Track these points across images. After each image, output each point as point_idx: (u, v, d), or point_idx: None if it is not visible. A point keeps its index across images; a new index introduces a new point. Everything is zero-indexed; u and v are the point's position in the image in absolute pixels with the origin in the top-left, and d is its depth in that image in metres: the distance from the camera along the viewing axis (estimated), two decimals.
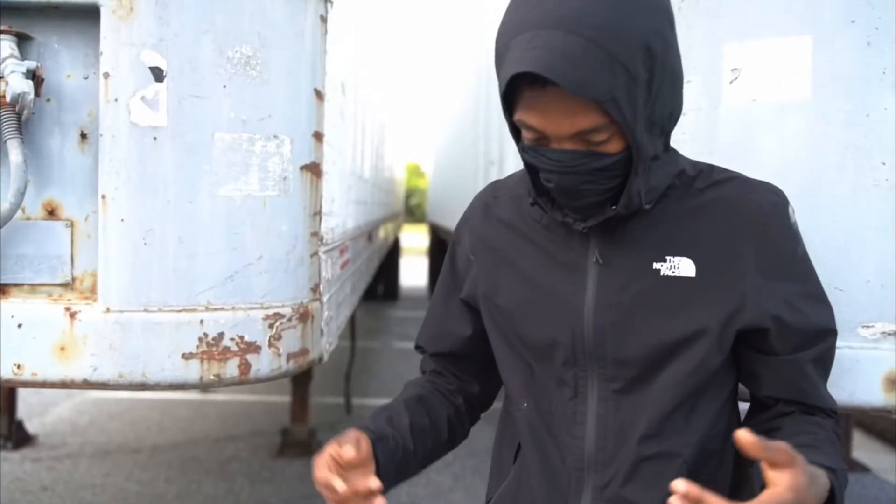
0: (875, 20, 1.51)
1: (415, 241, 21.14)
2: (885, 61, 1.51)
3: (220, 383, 1.78)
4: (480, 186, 4.94)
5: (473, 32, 6.14)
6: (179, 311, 1.75)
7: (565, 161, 1.13)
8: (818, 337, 1.25)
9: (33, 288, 1.79)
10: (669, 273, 1.21)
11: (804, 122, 1.55)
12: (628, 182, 1.15)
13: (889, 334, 1.53)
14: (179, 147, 1.74)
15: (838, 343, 1.38)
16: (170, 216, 1.74)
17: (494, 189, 1.42)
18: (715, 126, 1.66)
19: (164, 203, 1.73)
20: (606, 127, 1.11)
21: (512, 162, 4.21)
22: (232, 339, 1.78)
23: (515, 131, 1.20)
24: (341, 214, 2.67)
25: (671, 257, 1.21)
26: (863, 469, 5.32)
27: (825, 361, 1.28)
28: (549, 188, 1.18)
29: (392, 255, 12.37)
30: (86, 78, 1.79)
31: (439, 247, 12.42)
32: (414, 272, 16.42)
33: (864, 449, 5.64)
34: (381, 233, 6.84)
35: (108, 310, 1.73)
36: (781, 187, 1.31)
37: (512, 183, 1.40)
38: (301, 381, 5.41)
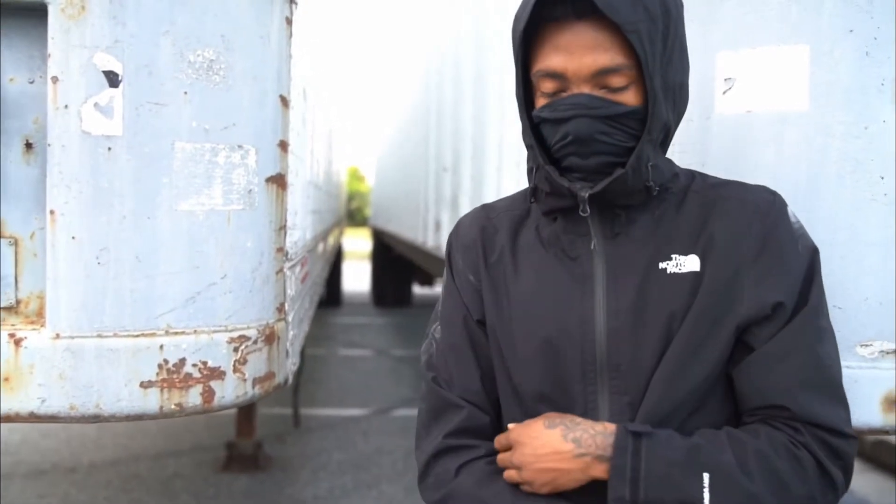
0: (874, 30, 1.47)
1: (355, 246, 20.94)
2: (883, 72, 1.47)
3: (181, 413, 1.65)
4: (432, 192, 4.87)
5: (424, 38, 6.05)
6: (137, 335, 1.61)
7: (583, 102, 1.15)
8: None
9: None
10: (676, 270, 1.20)
11: (801, 135, 1.50)
12: (639, 144, 1.17)
13: (888, 353, 1.49)
14: (136, 158, 1.60)
15: None
16: (126, 233, 1.60)
17: (487, 210, 1.38)
18: (706, 137, 1.60)
19: (119, 219, 1.59)
20: (626, 70, 1.15)
21: (468, 168, 4.14)
22: (194, 366, 1.65)
23: (526, 106, 1.23)
24: (301, 227, 2.55)
25: (676, 255, 1.21)
26: None
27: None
28: (563, 147, 1.18)
29: (335, 261, 12.21)
30: (31, 82, 1.64)
31: (382, 251, 12.29)
32: (356, 277, 16.24)
33: None
34: (331, 240, 6.71)
35: (57, 336, 1.58)
36: None
37: (505, 206, 1.38)
38: None
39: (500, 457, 1.22)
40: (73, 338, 1.58)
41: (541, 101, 1.21)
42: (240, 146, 1.71)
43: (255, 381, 1.77)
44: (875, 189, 1.48)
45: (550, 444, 1.15)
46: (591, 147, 1.17)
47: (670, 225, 1.23)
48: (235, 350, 1.71)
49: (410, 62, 6.79)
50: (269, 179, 1.78)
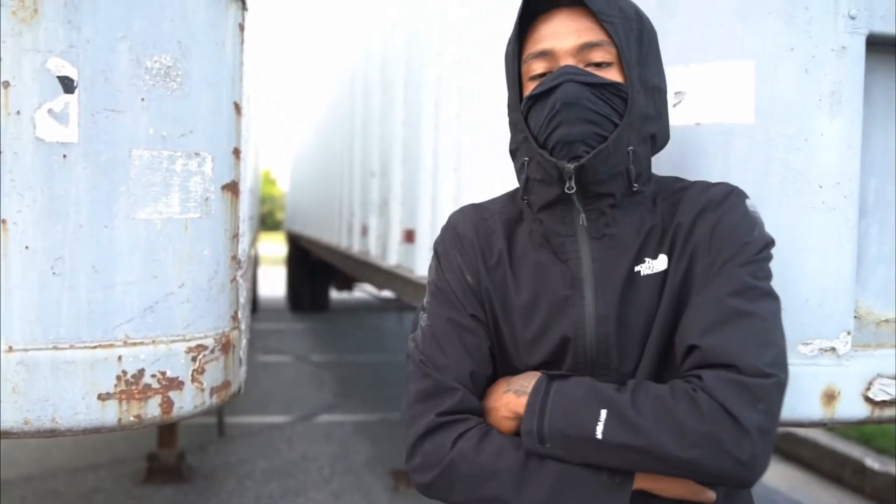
0: (812, 49, 1.57)
1: (268, 250, 20.62)
2: (821, 88, 1.57)
3: (140, 424, 1.62)
4: (358, 196, 4.85)
5: (350, 43, 6.03)
6: (94, 347, 1.57)
7: (569, 70, 1.28)
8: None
9: None
10: (649, 272, 1.31)
11: (747, 146, 1.59)
12: (620, 125, 1.28)
13: (826, 351, 1.60)
14: (93, 166, 1.56)
15: None
16: (82, 242, 1.56)
17: (481, 211, 1.45)
18: None
19: (75, 228, 1.55)
20: (608, 46, 1.29)
21: (398, 173, 4.16)
22: (153, 376, 1.62)
23: (516, 97, 1.37)
24: (246, 234, 2.53)
25: (648, 259, 1.32)
26: None
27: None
28: (552, 119, 1.27)
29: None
30: None
31: (299, 256, 12.15)
32: (269, 282, 15.99)
33: None
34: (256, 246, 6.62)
35: (10, 349, 1.53)
36: None
37: (497, 208, 1.45)
38: None
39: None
40: (26, 350, 1.53)
41: (530, 87, 1.34)
42: (196, 153, 1.69)
43: (213, 391, 1.75)
44: (814, 198, 1.58)
45: (494, 391, 1.34)
46: (578, 112, 1.26)
47: (645, 228, 1.33)
48: (193, 360, 1.69)
49: (333, 67, 6.76)
50: (225, 187, 1.77)
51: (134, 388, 1.60)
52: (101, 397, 1.57)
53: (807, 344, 1.59)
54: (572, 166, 1.27)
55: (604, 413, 1.19)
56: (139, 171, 1.60)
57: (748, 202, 1.34)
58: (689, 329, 1.23)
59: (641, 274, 1.30)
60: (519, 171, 1.37)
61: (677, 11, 1.64)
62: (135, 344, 1.61)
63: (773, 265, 1.53)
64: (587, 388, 1.23)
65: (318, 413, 6.85)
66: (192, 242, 1.69)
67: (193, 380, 1.69)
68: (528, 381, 1.29)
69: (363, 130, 5.27)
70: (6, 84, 1.52)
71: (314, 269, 11.71)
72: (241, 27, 1.84)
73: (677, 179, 1.41)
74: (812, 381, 1.59)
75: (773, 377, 1.18)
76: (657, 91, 1.34)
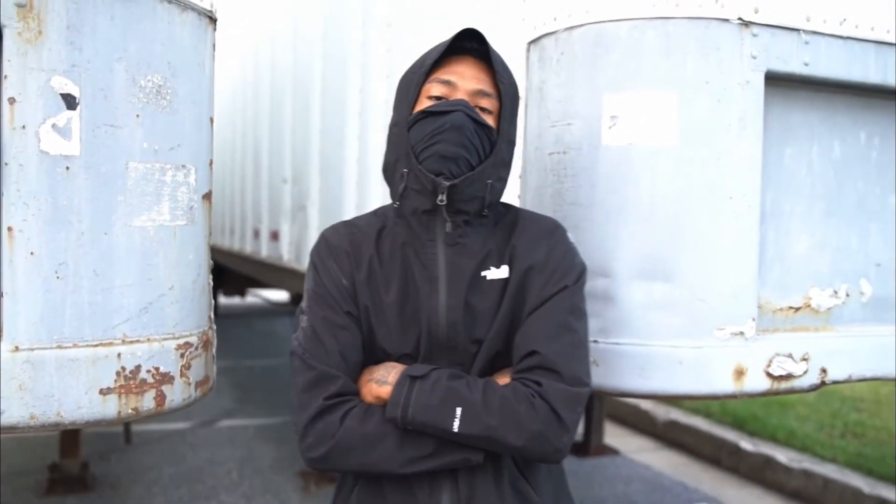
0: (724, 82, 1.87)
1: None
2: (731, 116, 1.88)
3: (136, 417, 1.74)
4: (267, 203, 4.96)
5: (256, 54, 6.09)
6: (96, 345, 1.69)
7: (465, 103, 1.58)
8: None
9: None
10: (493, 277, 1.61)
11: (672, 163, 1.88)
12: (485, 162, 1.59)
13: (736, 335, 1.90)
14: (93, 177, 1.68)
15: (700, 343, 1.75)
16: (84, 248, 1.67)
17: (350, 227, 1.72)
18: (596, 163, 1.94)
19: (77, 235, 1.66)
20: (493, 100, 1.61)
21: (315, 181, 4.31)
22: (148, 371, 1.75)
23: (407, 115, 1.62)
24: None
25: (493, 266, 1.62)
26: (613, 452, 6.04)
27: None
28: (437, 134, 1.55)
29: None
30: None
31: None
32: None
33: (613, 435, 6.39)
34: None
35: (16, 348, 1.63)
36: (655, 218, 1.83)
37: (364, 223, 1.72)
38: None
39: None
40: (32, 349, 1.63)
41: (424, 104, 1.60)
42: (183, 166, 1.83)
43: (197, 385, 1.89)
44: (727, 207, 1.89)
45: (360, 377, 1.59)
46: (459, 137, 1.56)
47: (490, 242, 1.64)
48: (182, 356, 1.83)
49: (237, 78, 6.78)
50: (204, 196, 1.91)
51: (132, 382, 1.72)
52: (102, 392, 1.69)
53: (721, 329, 1.89)
54: (448, 184, 1.55)
55: (459, 411, 1.49)
56: (135, 182, 1.73)
57: (569, 234, 1.70)
58: (532, 336, 1.55)
59: (487, 278, 1.61)
60: (398, 180, 1.61)
61: (612, 47, 1.91)
62: (132, 342, 1.73)
63: (695, 263, 1.84)
64: (445, 389, 1.51)
65: (219, 418, 6.83)
66: (180, 247, 1.83)
67: (182, 375, 1.83)
68: (386, 372, 1.57)
69: (273, 138, 5.37)
70: (12, 100, 1.62)
71: None
72: (214, 46, 1.99)
73: (507, 206, 1.73)
74: (725, 361, 1.89)
75: (587, 386, 1.56)
76: (513, 145, 1.68)
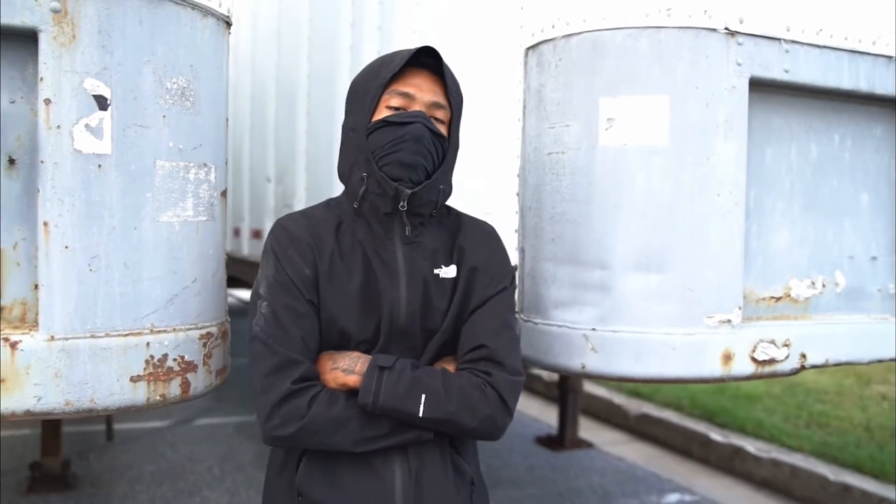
0: (712, 87, 2.01)
1: None
2: (718, 118, 2.02)
3: (163, 403, 1.83)
4: (249, 202, 4.99)
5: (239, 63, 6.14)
6: (126, 335, 1.77)
7: (424, 116, 1.73)
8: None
9: None
10: (444, 276, 1.78)
11: (664, 163, 2.02)
12: (439, 170, 1.76)
13: (724, 322, 2.04)
14: (124, 175, 1.76)
15: (691, 331, 1.89)
16: (115, 242, 1.76)
17: (308, 218, 1.81)
18: (593, 163, 2.07)
19: (109, 229, 1.75)
20: (445, 111, 1.77)
21: (302, 180, 4.39)
22: (174, 360, 1.84)
23: (366, 121, 1.74)
24: None
25: (443, 265, 1.79)
26: (588, 445, 6.20)
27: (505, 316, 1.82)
28: (398, 143, 1.69)
29: None
30: (12, 102, 1.74)
31: None
32: None
33: (586, 429, 6.55)
34: None
35: (52, 338, 1.71)
36: (649, 213, 1.97)
37: (320, 215, 1.82)
38: None
39: None
40: (67, 339, 1.71)
41: (384, 114, 1.73)
42: (204, 164, 1.92)
43: (217, 373, 1.98)
44: (714, 203, 2.02)
45: (321, 363, 1.71)
46: (418, 147, 1.70)
47: (439, 242, 1.81)
48: (204, 345, 1.92)
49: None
50: (222, 193, 2.01)
51: (160, 370, 1.81)
52: (132, 379, 1.77)
53: (710, 317, 2.02)
54: (409, 192, 1.70)
55: (423, 398, 1.65)
56: (162, 179, 1.82)
57: (501, 239, 1.90)
58: (479, 332, 1.75)
59: (440, 276, 1.78)
60: (358, 183, 1.74)
61: (608, 54, 2.04)
62: (160, 332, 1.82)
63: (686, 256, 1.98)
64: (410, 378, 1.66)
65: (196, 416, 6.86)
66: (202, 242, 1.92)
67: (204, 363, 1.92)
68: (353, 363, 1.70)
69: (257, 139, 5.43)
70: (47, 101, 1.70)
71: None
72: (228, 50, 2.08)
73: (448, 209, 1.89)
74: (714, 346, 2.03)
75: (523, 376, 1.77)
76: (458, 150, 1.84)
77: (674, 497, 5.16)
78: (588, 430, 6.56)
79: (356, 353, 1.72)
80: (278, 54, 4.95)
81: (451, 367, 1.75)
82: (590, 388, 7.18)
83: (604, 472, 5.62)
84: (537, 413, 7.14)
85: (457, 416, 1.67)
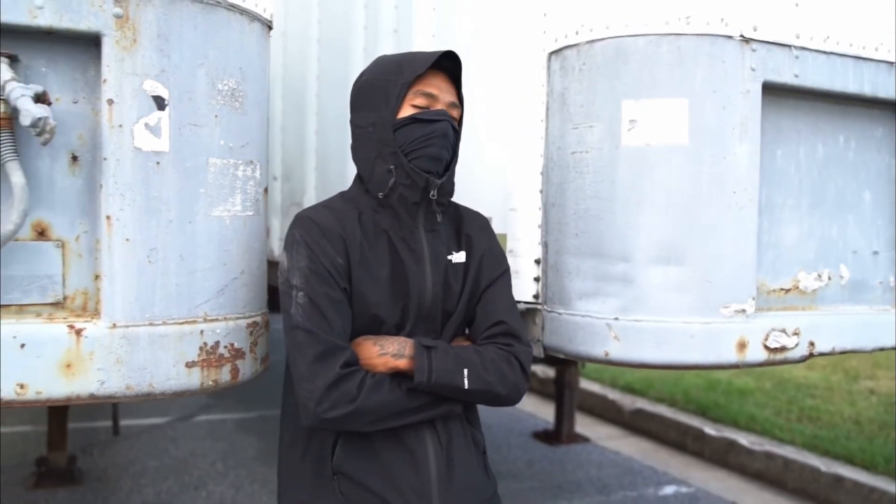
0: (729, 91, 2.14)
1: None
2: (734, 120, 2.15)
3: (215, 388, 1.93)
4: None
5: None
6: (182, 323, 1.87)
7: (447, 115, 1.88)
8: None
9: (21, 308, 1.80)
10: (456, 261, 1.93)
11: (684, 162, 2.14)
12: (453, 163, 1.92)
13: (739, 312, 2.17)
14: (180, 171, 1.86)
15: (708, 320, 2.01)
16: (172, 235, 1.86)
17: (331, 210, 1.90)
18: (616, 162, 2.19)
19: (166, 223, 1.85)
20: (459, 110, 1.93)
21: (312, 178, 4.48)
22: (225, 347, 1.94)
23: (391, 117, 1.85)
24: None
25: (454, 251, 1.94)
26: (584, 440, 6.33)
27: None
28: (429, 139, 1.84)
29: None
30: (75, 102, 1.84)
31: None
32: None
33: (582, 424, 6.68)
34: None
35: (114, 325, 1.80)
36: (669, 209, 2.11)
37: (340, 208, 1.92)
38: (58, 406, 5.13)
39: None
40: (127, 326, 1.81)
41: (409, 111, 1.85)
42: (251, 162, 2.02)
43: (261, 361, 2.09)
44: (730, 200, 2.15)
45: (366, 349, 1.81)
46: (444, 143, 1.86)
47: (449, 230, 1.95)
48: (251, 334, 2.02)
49: None
50: (265, 190, 2.11)
51: (212, 357, 1.91)
52: (188, 365, 1.88)
53: (726, 307, 2.15)
54: (439, 181, 1.85)
55: (466, 371, 1.81)
56: (214, 176, 1.92)
57: None
58: (495, 310, 1.92)
59: (453, 261, 1.92)
60: (384, 175, 1.84)
61: (630, 59, 2.16)
62: (212, 320, 1.92)
63: (704, 249, 2.11)
64: (453, 355, 1.82)
65: (196, 413, 6.93)
66: (249, 235, 2.02)
67: (251, 350, 2.02)
68: (401, 347, 1.81)
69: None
70: (110, 101, 1.80)
71: None
72: (269, 52, 2.18)
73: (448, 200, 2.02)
74: (730, 335, 2.16)
75: (532, 348, 1.96)
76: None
77: (670, 489, 5.29)
78: (583, 425, 6.69)
79: (401, 338, 1.83)
80: (284, 55, 5.04)
81: (464, 343, 1.93)
82: (584, 384, 7.32)
83: (601, 466, 5.75)
84: (533, 409, 7.27)
85: (493, 385, 1.83)
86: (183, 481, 5.24)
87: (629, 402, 6.85)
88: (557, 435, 6.29)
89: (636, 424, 6.63)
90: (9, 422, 6.34)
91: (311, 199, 4.49)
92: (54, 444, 5.25)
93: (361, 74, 1.95)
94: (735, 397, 6.77)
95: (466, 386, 1.80)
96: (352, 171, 3.91)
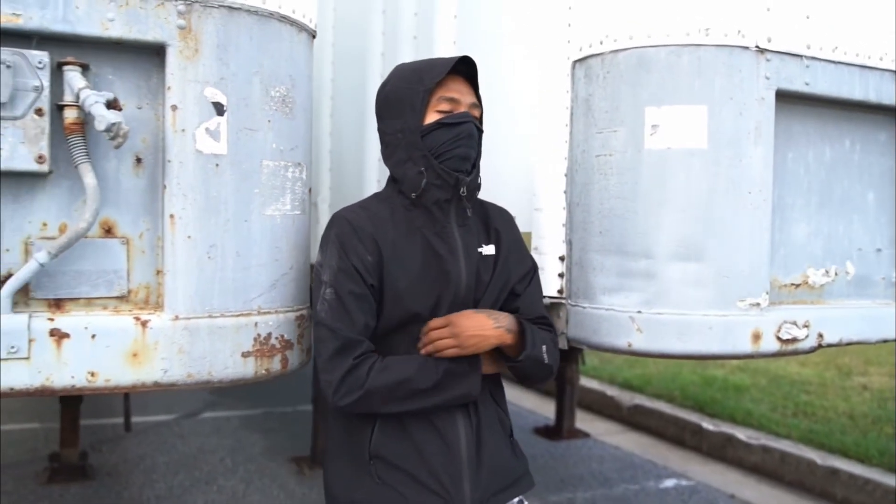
0: (744, 98, 2.28)
1: None
2: (749, 125, 2.29)
3: (267, 376, 2.05)
4: None
5: None
6: (238, 315, 2.00)
7: (471, 117, 2.01)
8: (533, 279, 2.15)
9: (89, 301, 1.92)
10: (486, 253, 2.05)
11: (702, 164, 2.28)
12: (477, 160, 2.05)
13: (754, 305, 2.31)
14: (236, 173, 1.99)
15: (725, 313, 2.15)
16: (229, 233, 1.98)
17: (365, 210, 2.02)
18: (639, 165, 2.32)
19: (224, 221, 1.97)
20: (479, 110, 2.05)
21: (326, 179, 4.60)
22: (276, 339, 2.07)
23: (418, 122, 1.97)
24: None
25: (483, 244, 2.05)
26: (584, 435, 6.47)
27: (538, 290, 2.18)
28: (458, 140, 1.96)
29: None
30: (139, 108, 1.96)
31: None
32: None
33: (581, 420, 6.82)
34: None
35: (176, 317, 1.93)
36: (689, 209, 2.25)
37: (374, 208, 2.03)
38: (70, 402, 5.22)
39: (434, 332, 1.92)
40: (189, 318, 1.93)
41: (435, 116, 1.96)
42: (298, 164, 2.14)
43: (307, 352, 2.21)
44: (746, 200, 2.29)
45: (480, 320, 1.95)
46: (471, 143, 1.98)
47: (477, 224, 2.07)
48: (298, 326, 2.15)
49: None
50: (310, 190, 2.23)
51: (265, 347, 2.04)
52: (244, 355, 2.00)
53: (742, 301, 2.29)
54: (468, 179, 1.98)
55: (544, 348, 2.01)
56: (266, 177, 2.04)
57: None
58: (536, 305, 2.10)
59: (483, 253, 2.04)
60: (416, 177, 1.96)
61: (652, 68, 2.30)
62: (265, 313, 2.04)
63: (721, 247, 2.24)
64: (536, 332, 2.00)
65: (201, 410, 7.02)
66: (297, 233, 2.14)
67: (299, 342, 2.15)
68: (511, 322, 1.98)
69: None
70: (174, 107, 1.92)
71: None
72: (313, 60, 2.31)
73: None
74: (745, 327, 2.30)
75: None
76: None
77: (671, 482, 5.44)
78: (582, 421, 6.83)
79: (507, 314, 2.01)
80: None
81: None
82: (583, 381, 7.46)
83: (602, 460, 5.89)
84: (534, 406, 7.40)
85: (553, 359, 2.04)
86: (193, 476, 5.34)
87: (627, 398, 7.00)
88: (558, 430, 6.42)
89: (635, 420, 6.78)
90: (18, 419, 6.43)
91: (325, 199, 4.60)
92: (66, 440, 5.33)
93: (384, 85, 2.07)
94: (731, 393, 6.93)
95: (546, 360, 2.01)
96: (368, 173, 4.05)
